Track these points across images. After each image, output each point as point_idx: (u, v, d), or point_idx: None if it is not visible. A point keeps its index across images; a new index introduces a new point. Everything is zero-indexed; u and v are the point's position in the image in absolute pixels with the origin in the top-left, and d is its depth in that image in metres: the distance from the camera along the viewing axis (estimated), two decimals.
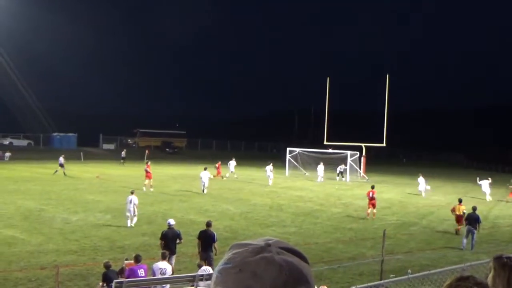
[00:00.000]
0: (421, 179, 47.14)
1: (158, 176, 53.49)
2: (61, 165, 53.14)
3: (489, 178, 46.76)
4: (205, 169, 42.55)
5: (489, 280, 2.51)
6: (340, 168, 58.95)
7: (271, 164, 52.69)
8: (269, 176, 51.40)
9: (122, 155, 72.78)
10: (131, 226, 26.50)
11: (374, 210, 32.85)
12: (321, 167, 56.71)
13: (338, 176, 58.67)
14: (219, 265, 1.44)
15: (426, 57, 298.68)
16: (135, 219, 27.04)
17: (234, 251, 1.44)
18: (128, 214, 26.91)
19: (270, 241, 1.46)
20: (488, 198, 45.09)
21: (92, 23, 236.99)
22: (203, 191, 41.51)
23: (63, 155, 54.86)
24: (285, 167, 63.23)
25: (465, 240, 24.92)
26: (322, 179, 56.00)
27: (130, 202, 26.96)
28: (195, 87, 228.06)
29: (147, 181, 42.71)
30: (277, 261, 1.39)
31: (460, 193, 48.45)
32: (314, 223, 30.41)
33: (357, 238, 26.56)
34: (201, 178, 42.25)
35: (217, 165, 55.20)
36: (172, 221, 19.92)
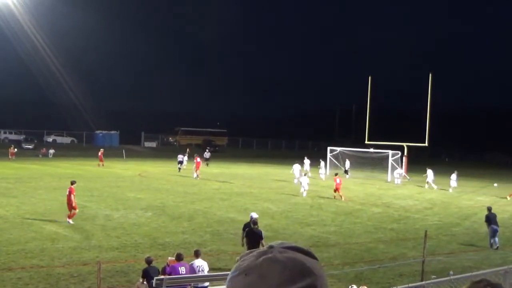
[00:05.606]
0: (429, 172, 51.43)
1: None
2: (181, 162, 57.28)
3: None
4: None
5: None
6: (348, 164, 59.90)
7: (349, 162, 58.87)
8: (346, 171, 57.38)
9: (205, 156, 68.27)
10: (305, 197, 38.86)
11: (340, 193, 39.20)
12: (399, 171, 56.24)
13: (347, 174, 58.80)
14: (228, 275, 1.50)
15: (472, 56, 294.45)
16: (305, 193, 39.69)
17: (241, 260, 1.51)
18: (302, 189, 39.88)
19: (273, 244, 1.53)
20: None
21: (134, 23, 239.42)
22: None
23: (187, 153, 59.34)
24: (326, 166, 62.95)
25: (497, 239, 24.95)
26: (399, 181, 55.59)
27: (304, 181, 40.16)
28: (236, 86, 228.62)
29: (198, 171, 51.00)
30: (279, 259, 1.45)
31: (504, 194, 47.64)
32: (354, 222, 30.21)
33: (398, 239, 26.30)
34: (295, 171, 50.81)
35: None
36: (254, 215, 19.82)
